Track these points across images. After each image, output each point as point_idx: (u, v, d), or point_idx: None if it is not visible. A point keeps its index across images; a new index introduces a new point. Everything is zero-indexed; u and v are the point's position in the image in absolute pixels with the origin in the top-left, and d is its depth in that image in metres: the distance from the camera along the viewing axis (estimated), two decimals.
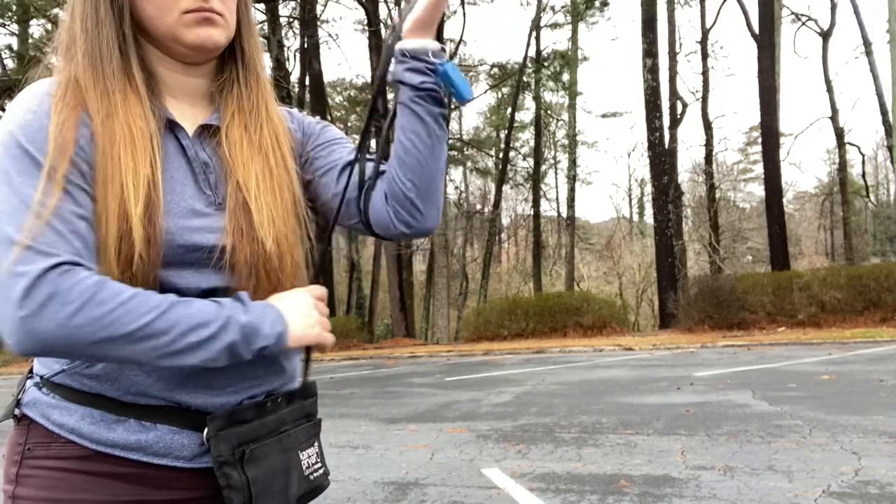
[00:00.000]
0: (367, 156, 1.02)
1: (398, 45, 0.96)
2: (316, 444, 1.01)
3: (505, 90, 30.53)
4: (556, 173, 35.86)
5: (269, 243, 0.92)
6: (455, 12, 26.65)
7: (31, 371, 0.94)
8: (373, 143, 1.05)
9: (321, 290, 0.97)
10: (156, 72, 0.93)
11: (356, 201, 1.01)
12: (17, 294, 0.74)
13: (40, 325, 0.74)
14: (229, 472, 0.87)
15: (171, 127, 0.93)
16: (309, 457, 0.98)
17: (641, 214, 41.39)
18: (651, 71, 20.72)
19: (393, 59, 0.98)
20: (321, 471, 1.00)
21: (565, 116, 29.65)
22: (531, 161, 30.42)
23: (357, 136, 1.03)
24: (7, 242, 0.77)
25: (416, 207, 0.98)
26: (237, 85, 0.99)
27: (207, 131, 0.96)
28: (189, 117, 0.96)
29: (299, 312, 0.91)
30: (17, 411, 0.92)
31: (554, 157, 35.47)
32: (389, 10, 26.35)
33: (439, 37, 0.98)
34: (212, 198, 0.93)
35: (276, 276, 0.93)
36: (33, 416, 0.90)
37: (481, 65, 29.56)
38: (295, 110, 1.11)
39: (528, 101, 31.17)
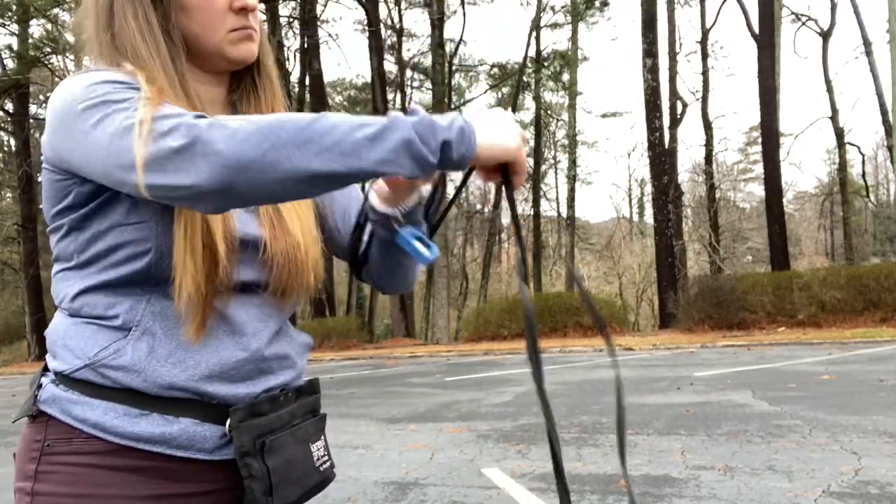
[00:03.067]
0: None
1: (369, 196, 1.03)
2: (323, 437, 1.06)
3: (505, 90, 30.53)
4: (556, 173, 35.87)
5: (299, 234, 0.98)
6: (455, 12, 26.76)
7: (45, 369, 0.95)
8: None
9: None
10: (195, 87, 0.97)
11: (350, 249, 1.11)
12: (174, 131, 0.75)
13: (214, 148, 0.74)
14: (251, 463, 0.90)
15: None
16: (318, 449, 1.03)
17: (641, 214, 41.38)
18: (651, 71, 20.71)
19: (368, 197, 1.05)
20: (328, 463, 1.06)
21: (565, 116, 29.64)
22: (531, 161, 30.41)
23: None
24: (135, 123, 0.77)
25: (387, 290, 1.17)
26: (253, 91, 1.04)
27: None
28: None
29: (487, 119, 0.85)
30: (33, 409, 0.92)
31: (554, 157, 35.48)
32: (389, 11, 26.41)
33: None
34: None
35: (304, 265, 0.99)
36: (52, 412, 0.90)
37: (481, 65, 29.62)
38: None
39: (528, 101, 31.19)
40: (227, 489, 0.94)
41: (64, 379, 0.91)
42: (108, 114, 0.80)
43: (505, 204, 35.89)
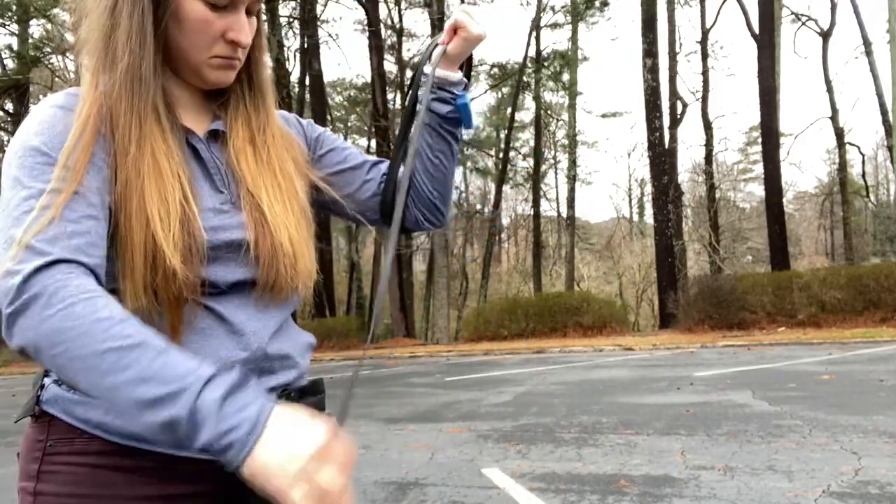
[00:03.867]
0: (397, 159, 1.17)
1: (428, 71, 1.10)
2: None
3: (505, 90, 30.54)
4: (556, 173, 35.88)
5: (283, 227, 0.97)
6: None
7: (47, 369, 0.94)
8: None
9: (350, 453, 0.76)
10: (167, 87, 0.96)
11: (382, 198, 1.13)
12: (9, 291, 0.75)
13: (21, 323, 0.75)
14: None
15: (185, 132, 0.96)
16: None
17: (641, 214, 41.36)
18: (651, 71, 20.72)
19: (421, 86, 1.12)
20: None
21: (565, 116, 29.64)
22: (531, 161, 30.43)
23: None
24: (9, 241, 0.78)
25: (440, 210, 1.17)
26: (242, 104, 1.03)
27: (214, 137, 1.00)
28: (194, 123, 0.99)
29: (290, 446, 0.73)
30: (35, 409, 0.92)
31: (554, 157, 35.48)
32: (389, 10, 26.41)
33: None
34: (227, 196, 0.96)
35: (292, 271, 0.97)
36: (54, 412, 0.90)
37: (481, 65, 29.51)
38: (284, 112, 1.15)
39: (528, 101, 31.18)
40: (226, 490, 0.94)
41: None
42: (10, 201, 0.81)
43: (504, 204, 35.96)
